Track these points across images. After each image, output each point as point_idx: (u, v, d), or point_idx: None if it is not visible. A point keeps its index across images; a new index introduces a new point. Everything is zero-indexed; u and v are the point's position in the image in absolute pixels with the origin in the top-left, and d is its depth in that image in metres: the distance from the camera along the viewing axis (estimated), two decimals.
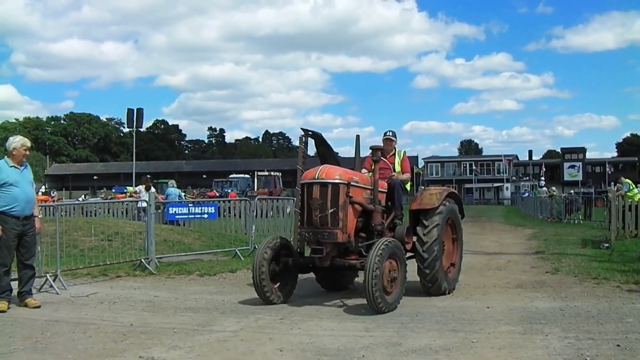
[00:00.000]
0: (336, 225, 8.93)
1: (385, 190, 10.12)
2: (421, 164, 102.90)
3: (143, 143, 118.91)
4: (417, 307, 8.92)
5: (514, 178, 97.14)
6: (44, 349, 6.73)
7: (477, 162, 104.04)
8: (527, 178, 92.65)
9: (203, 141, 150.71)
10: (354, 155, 10.95)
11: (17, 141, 9.27)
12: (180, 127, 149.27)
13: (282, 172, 49.30)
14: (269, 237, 10.34)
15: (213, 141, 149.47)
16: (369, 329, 7.68)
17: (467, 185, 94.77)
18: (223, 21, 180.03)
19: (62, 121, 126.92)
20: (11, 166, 9.11)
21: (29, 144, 9.43)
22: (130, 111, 46.60)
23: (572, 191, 41.03)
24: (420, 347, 6.78)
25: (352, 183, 9.13)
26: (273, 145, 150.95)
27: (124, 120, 52.91)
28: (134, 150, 55.72)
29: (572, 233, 21.63)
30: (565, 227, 25.85)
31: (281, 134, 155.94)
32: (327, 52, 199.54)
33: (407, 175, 10.76)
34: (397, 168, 10.55)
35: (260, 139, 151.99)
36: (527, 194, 61.58)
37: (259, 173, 46.68)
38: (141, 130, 69.98)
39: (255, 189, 42.03)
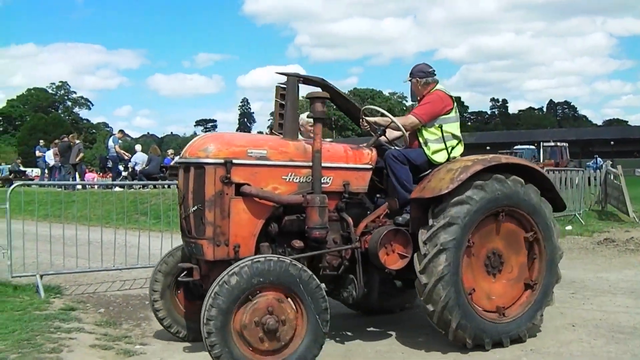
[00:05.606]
0: (202, 233, 5.40)
1: (370, 166, 6.32)
2: None
3: None
4: None
5: None
6: None
7: None
8: None
9: (486, 112, 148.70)
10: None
11: (302, 118, 9.77)
12: (462, 99, 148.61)
13: (568, 143, 47.03)
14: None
15: (496, 112, 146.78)
16: None
17: None
18: None
19: None
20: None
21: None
22: None
23: None
24: None
25: (236, 161, 5.42)
26: (558, 115, 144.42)
27: (407, 94, 54.12)
28: None
29: None
30: None
31: (566, 102, 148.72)
32: (612, 15, 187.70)
33: (410, 120, 6.36)
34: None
35: (545, 109, 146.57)
36: None
37: (545, 144, 45.14)
38: None
39: (541, 160, 40.52)
